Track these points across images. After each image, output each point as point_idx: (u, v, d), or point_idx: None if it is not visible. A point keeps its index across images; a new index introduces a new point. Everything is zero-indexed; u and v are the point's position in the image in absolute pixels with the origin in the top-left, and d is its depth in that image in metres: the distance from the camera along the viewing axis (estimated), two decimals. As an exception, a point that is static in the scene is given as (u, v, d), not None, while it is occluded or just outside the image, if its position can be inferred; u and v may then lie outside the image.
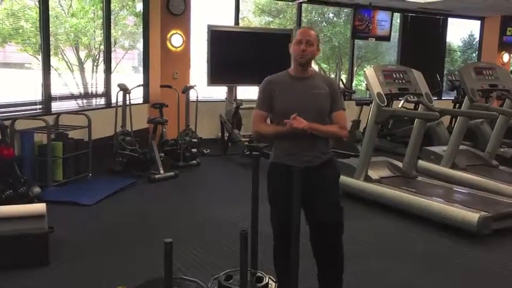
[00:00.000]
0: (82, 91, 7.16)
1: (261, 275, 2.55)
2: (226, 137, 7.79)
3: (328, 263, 2.84)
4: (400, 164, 5.68)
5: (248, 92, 8.93)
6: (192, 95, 7.27)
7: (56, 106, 6.28)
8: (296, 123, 2.58)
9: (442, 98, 10.67)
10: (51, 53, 6.18)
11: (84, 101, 7.13)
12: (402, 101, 5.43)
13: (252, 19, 12.12)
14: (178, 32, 7.88)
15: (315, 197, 2.73)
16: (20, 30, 6.13)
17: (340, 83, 9.65)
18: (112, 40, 7.35)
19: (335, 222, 2.77)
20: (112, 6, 7.32)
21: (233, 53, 8.22)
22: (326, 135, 2.77)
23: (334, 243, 2.79)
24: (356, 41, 10.20)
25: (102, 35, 7.21)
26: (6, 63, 6.47)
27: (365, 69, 12.14)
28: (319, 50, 2.79)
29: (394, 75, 5.38)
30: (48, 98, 6.12)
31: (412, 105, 7.35)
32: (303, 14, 10.04)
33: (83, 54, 7.50)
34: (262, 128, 2.82)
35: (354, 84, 10.75)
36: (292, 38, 3.13)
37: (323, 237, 2.79)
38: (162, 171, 6.12)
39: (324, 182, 2.78)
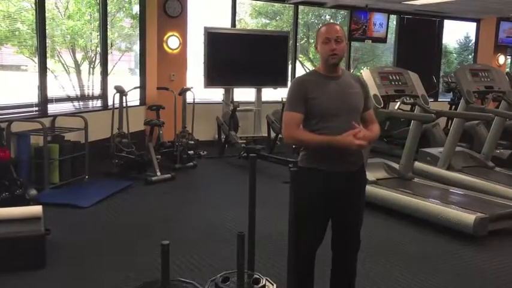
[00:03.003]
0: (78, 93, 7.14)
1: (258, 276, 2.54)
2: (223, 139, 7.79)
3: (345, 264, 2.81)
4: (396, 166, 5.70)
5: (245, 94, 8.94)
6: (189, 97, 7.27)
7: (52, 108, 6.27)
8: (359, 141, 2.43)
9: (439, 100, 10.72)
10: (47, 55, 6.18)
11: (81, 103, 7.11)
12: (398, 103, 5.45)
13: (248, 21, 12.14)
14: (175, 34, 7.88)
15: (346, 201, 2.64)
16: (17, 32, 6.12)
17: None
18: (108, 42, 7.35)
19: (357, 230, 2.76)
20: (108, 8, 7.32)
21: (230, 55, 8.24)
22: (373, 140, 2.71)
23: (355, 246, 2.78)
24: (352, 42, 10.23)
25: (99, 37, 7.21)
26: (3, 65, 6.45)
27: (361, 71, 12.18)
28: (347, 44, 2.67)
29: (391, 77, 5.40)
30: (44, 100, 6.11)
31: (408, 107, 7.37)
32: (300, 16, 10.06)
33: (79, 56, 7.49)
34: (300, 135, 2.57)
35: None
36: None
37: (344, 239, 2.75)
38: (158, 173, 6.12)
39: (359, 188, 2.72)
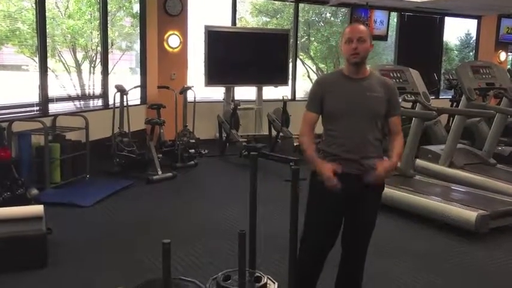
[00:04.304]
0: (79, 92, 7.14)
1: (259, 274, 2.54)
2: (224, 138, 7.79)
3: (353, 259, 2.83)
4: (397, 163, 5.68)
5: (246, 93, 8.94)
6: (190, 96, 7.26)
7: (53, 108, 6.27)
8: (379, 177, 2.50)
9: (440, 97, 10.69)
10: (48, 54, 6.16)
11: (82, 102, 7.11)
12: (400, 100, 5.44)
13: (249, 19, 12.11)
14: (176, 32, 7.87)
15: (359, 204, 2.63)
16: (17, 32, 6.12)
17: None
18: (109, 41, 7.34)
19: (368, 233, 2.74)
20: (109, 7, 7.30)
21: (230, 54, 8.23)
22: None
23: (364, 249, 2.79)
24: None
25: (99, 36, 7.20)
26: (3, 65, 6.45)
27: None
28: (372, 46, 2.57)
29: (392, 75, 5.38)
30: (45, 100, 6.10)
31: (409, 104, 7.35)
32: (300, 14, 10.04)
33: (80, 55, 7.49)
34: (304, 143, 2.63)
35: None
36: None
37: (354, 242, 2.76)
38: (160, 172, 6.12)
39: (374, 192, 2.66)
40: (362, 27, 2.60)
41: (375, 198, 2.71)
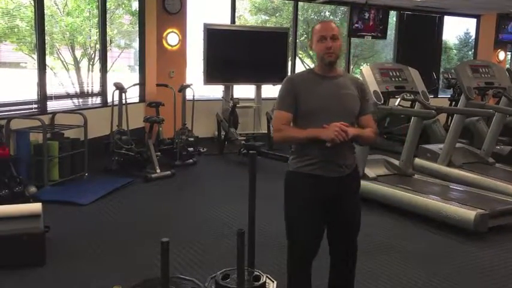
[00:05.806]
0: (78, 90, 7.13)
1: (258, 273, 2.54)
2: (222, 136, 7.78)
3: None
4: (396, 162, 5.69)
5: (244, 91, 8.93)
6: (189, 94, 7.25)
7: (51, 105, 6.25)
8: (338, 135, 2.32)
9: (439, 96, 10.70)
10: (46, 52, 6.14)
11: (80, 100, 7.10)
12: (399, 99, 5.43)
13: (248, 18, 12.11)
14: (175, 30, 7.86)
15: (340, 207, 2.55)
16: (15, 29, 6.10)
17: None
18: (108, 39, 7.32)
19: (354, 235, 2.66)
20: (108, 4, 7.29)
21: (229, 52, 8.22)
22: (362, 140, 2.56)
23: (352, 252, 2.69)
24: (352, 39, 10.21)
25: (98, 33, 7.18)
26: (2, 62, 6.44)
27: (361, 67, 12.14)
28: (342, 42, 2.53)
29: (391, 73, 5.38)
30: (43, 97, 6.09)
31: (408, 103, 7.35)
32: (299, 13, 10.03)
33: (78, 53, 7.47)
34: (289, 132, 2.49)
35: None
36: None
37: (340, 246, 2.67)
38: (158, 171, 6.11)
39: (353, 192, 2.61)
40: (333, 24, 2.53)
41: (354, 197, 2.63)
